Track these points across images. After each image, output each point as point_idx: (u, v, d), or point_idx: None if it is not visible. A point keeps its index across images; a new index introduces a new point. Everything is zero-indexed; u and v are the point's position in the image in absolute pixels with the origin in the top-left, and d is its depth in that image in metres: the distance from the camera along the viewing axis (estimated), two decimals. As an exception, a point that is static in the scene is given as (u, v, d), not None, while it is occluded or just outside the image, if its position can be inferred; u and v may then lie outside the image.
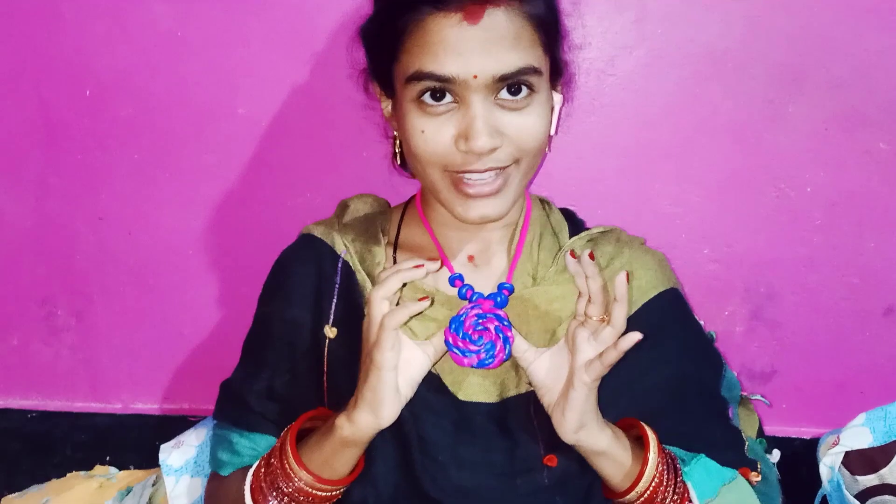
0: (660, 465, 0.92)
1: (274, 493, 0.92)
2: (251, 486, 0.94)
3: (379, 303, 0.90)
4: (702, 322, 1.11)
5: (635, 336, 0.88)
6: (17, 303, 1.37)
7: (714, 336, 1.13)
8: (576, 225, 1.08)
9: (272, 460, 0.93)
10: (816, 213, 1.25)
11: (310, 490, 0.92)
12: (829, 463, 1.20)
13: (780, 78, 1.20)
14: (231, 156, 1.28)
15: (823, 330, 1.31)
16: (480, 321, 0.92)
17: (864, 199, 1.24)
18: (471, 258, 1.02)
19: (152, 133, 1.27)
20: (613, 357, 0.88)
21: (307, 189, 1.28)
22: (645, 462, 0.91)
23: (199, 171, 1.28)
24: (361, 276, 1.00)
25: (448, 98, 0.90)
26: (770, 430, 1.32)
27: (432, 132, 0.91)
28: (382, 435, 0.93)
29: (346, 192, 1.12)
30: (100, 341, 1.38)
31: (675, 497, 0.92)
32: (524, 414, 0.96)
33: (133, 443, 1.38)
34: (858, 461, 1.18)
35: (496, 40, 0.88)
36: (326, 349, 1.00)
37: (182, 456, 1.13)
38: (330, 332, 1.00)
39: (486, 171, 0.91)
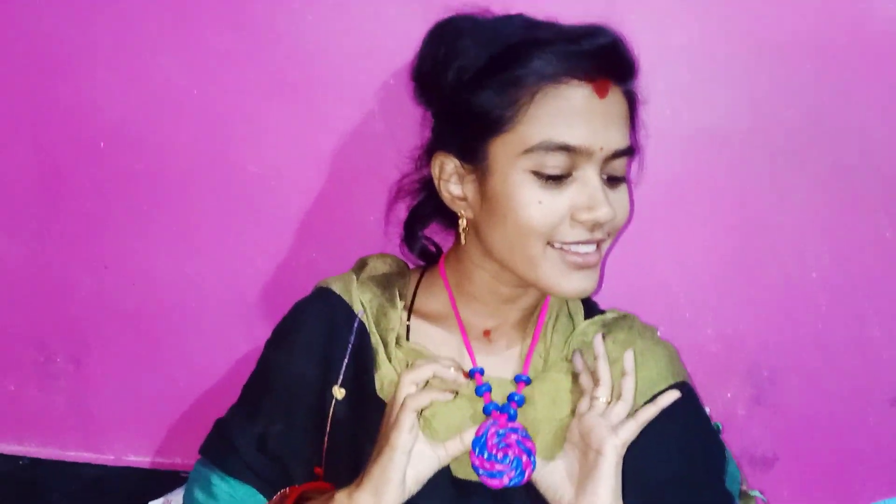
0: None
1: None
2: None
3: (408, 385, 0.90)
4: (707, 409, 1.09)
5: (676, 393, 0.91)
6: (15, 348, 1.37)
7: (720, 428, 1.11)
8: (590, 307, 1.08)
9: None
10: (821, 297, 1.24)
11: None
12: (832, 556, 1.17)
13: (785, 161, 1.20)
14: (236, 212, 1.28)
15: (826, 416, 1.28)
16: (501, 438, 0.93)
17: (869, 286, 1.23)
18: (486, 333, 1.02)
19: (157, 184, 1.28)
20: (652, 413, 0.90)
21: (312, 249, 1.28)
22: None
23: (201, 223, 1.29)
24: (375, 338, 0.99)
25: (566, 170, 0.90)
26: None
27: (550, 203, 0.90)
28: None
29: (352, 253, 1.11)
30: (96, 389, 1.37)
31: None
32: (521, 499, 0.94)
33: (124, 494, 1.35)
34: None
35: (616, 116, 0.92)
36: (332, 410, 0.98)
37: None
38: (338, 392, 0.98)
39: (594, 241, 0.92)
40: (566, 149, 0.89)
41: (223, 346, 1.33)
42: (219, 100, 1.25)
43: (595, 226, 0.91)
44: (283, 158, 1.26)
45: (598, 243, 0.93)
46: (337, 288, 1.03)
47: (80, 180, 1.30)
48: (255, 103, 1.24)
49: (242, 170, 1.26)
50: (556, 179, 0.90)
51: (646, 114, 1.18)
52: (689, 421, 1.01)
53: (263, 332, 1.07)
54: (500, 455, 0.93)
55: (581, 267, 0.92)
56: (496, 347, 1.02)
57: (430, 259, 1.08)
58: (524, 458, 0.93)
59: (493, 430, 0.93)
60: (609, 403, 0.93)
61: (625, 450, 0.90)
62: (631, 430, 0.90)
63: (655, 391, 1.00)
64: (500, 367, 1.01)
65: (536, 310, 1.03)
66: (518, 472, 0.92)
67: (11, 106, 1.29)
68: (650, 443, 0.91)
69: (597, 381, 0.94)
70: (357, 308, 1.01)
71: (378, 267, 1.07)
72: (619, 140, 0.91)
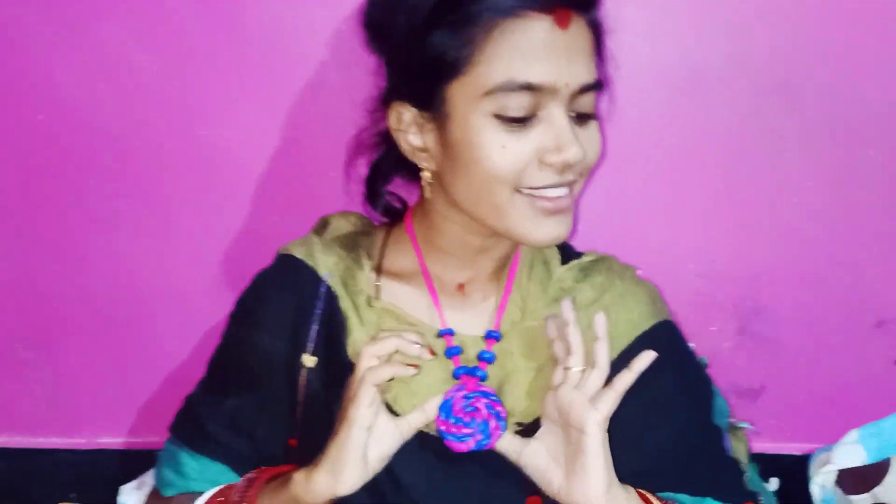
0: None
1: None
2: None
3: (369, 358, 0.86)
4: (692, 345, 1.07)
5: (652, 354, 0.86)
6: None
7: (706, 362, 1.10)
8: (566, 252, 1.05)
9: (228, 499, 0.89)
10: (803, 225, 1.23)
11: None
12: (822, 482, 1.19)
13: (765, 90, 1.18)
14: (200, 189, 1.24)
15: (813, 344, 1.28)
16: (469, 402, 0.90)
17: (852, 211, 1.22)
18: (460, 287, 0.98)
19: (119, 167, 1.24)
20: (629, 380, 0.85)
21: (275, 215, 1.24)
22: None
23: (162, 202, 1.25)
24: (345, 301, 0.96)
25: (530, 111, 0.85)
26: (760, 447, 1.29)
27: (515, 146, 0.85)
28: None
29: (315, 215, 1.08)
30: (63, 374, 1.34)
31: None
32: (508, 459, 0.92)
33: (99, 478, 1.33)
34: (851, 480, 1.16)
35: (580, 49, 0.86)
36: (304, 379, 0.95)
37: (143, 498, 1.07)
38: (308, 360, 0.95)
39: (564, 184, 0.87)
40: (529, 88, 0.83)
41: (191, 319, 1.30)
42: (165, 64, 1.19)
43: (565, 167, 0.86)
44: (235, 121, 1.21)
45: (570, 185, 0.89)
46: (299, 253, 0.99)
47: (30, 163, 1.25)
48: (203, 66, 1.19)
49: (196, 137, 1.22)
50: (520, 121, 0.85)
51: (618, 48, 1.14)
52: (674, 362, 0.99)
53: (230, 303, 1.03)
54: (467, 419, 0.90)
55: (552, 212, 0.88)
56: (471, 301, 0.99)
57: (395, 216, 1.03)
58: (492, 421, 0.90)
59: (460, 394, 0.91)
60: (584, 372, 0.88)
61: (607, 423, 0.86)
62: (610, 402, 0.85)
63: (638, 333, 0.98)
64: (476, 322, 0.98)
65: (510, 258, 1.00)
66: (485, 435, 0.90)
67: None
68: (638, 390, 0.88)
69: (568, 350, 0.89)
70: (323, 272, 0.98)
71: (341, 226, 1.03)
72: (586, 74, 0.86)
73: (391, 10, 0.89)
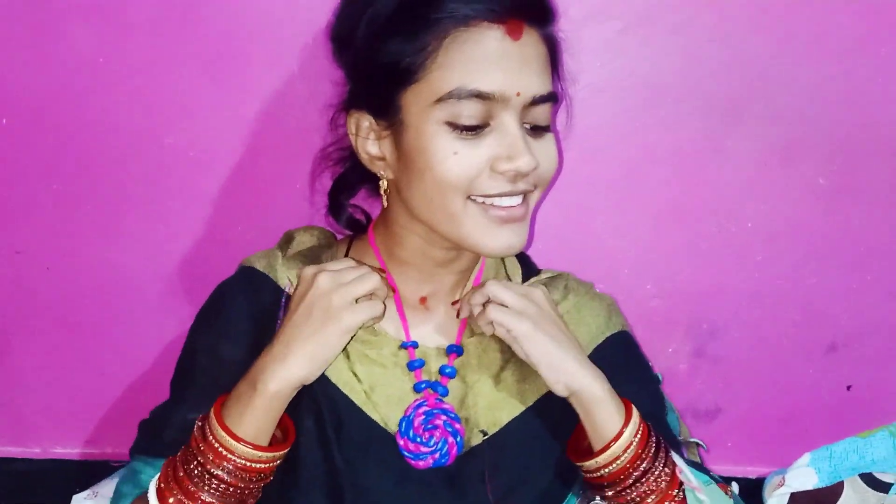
0: (643, 424, 0.90)
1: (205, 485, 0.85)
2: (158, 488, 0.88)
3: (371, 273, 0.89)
4: (650, 363, 1.09)
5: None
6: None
7: (661, 378, 1.11)
8: (529, 269, 1.06)
9: (193, 446, 0.87)
10: (757, 247, 1.25)
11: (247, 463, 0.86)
12: (775, 504, 1.18)
13: (718, 111, 1.19)
14: (156, 188, 1.23)
15: (767, 366, 1.30)
16: (429, 420, 0.92)
17: (804, 234, 1.24)
18: (423, 300, 0.99)
19: (73, 164, 1.22)
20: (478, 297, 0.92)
21: (239, 223, 1.24)
22: (629, 409, 0.90)
23: (122, 203, 1.23)
24: None
25: (483, 119, 0.86)
26: (716, 469, 1.28)
27: (467, 154, 0.86)
28: (312, 486, 0.89)
29: (279, 225, 1.07)
30: (19, 382, 1.31)
31: (661, 459, 0.89)
32: (476, 468, 0.92)
33: (54, 489, 1.30)
34: (806, 500, 1.16)
35: (532, 60, 0.87)
36: None
37: (97, 508, 1.06)
38: None
39: (518, 193, 0.88)
40: (479, 96, 0.85)
41: (150, 330, 1.29)
42: (131, 69, 1.18)
43: (517, 176, 0.87)
44: (202, 129, 1.20)
45: (524, 195, 0.90)
46: (260, 265, 1.00)
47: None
48: (170, 72, 1.18)
49: (159, 144, 1.21)
50: (472, 129, 0.86)
51: (575, 66, 1.16)
52: (631, 370, 1.01)
53: (191, 315, 1.03)
54: (425, 437, 0.92)
55: (506, 221, 0.89)
56: (434, 315, 0.99)
57: (359, 228, 1.04)
58: (450, 439, 0.92)
59: (420, 410, 0.92)
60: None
61: (506, 328, 0.90)
62: (493, 287, 0.91)
63: (595, 344, 1.00)
64: (438, 335, 0.99)
65: (473, 273, 1.01)
66: (442, 454, 0.92)
67: None
68: None
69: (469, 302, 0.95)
70: (283, 283, 0.98)
71: (305, 241, 1.03)
72: (538, 85, 0.88)
73: (353, 20, 0.90)
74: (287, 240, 1.04)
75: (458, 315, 0.97)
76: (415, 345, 0.96)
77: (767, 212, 1.23)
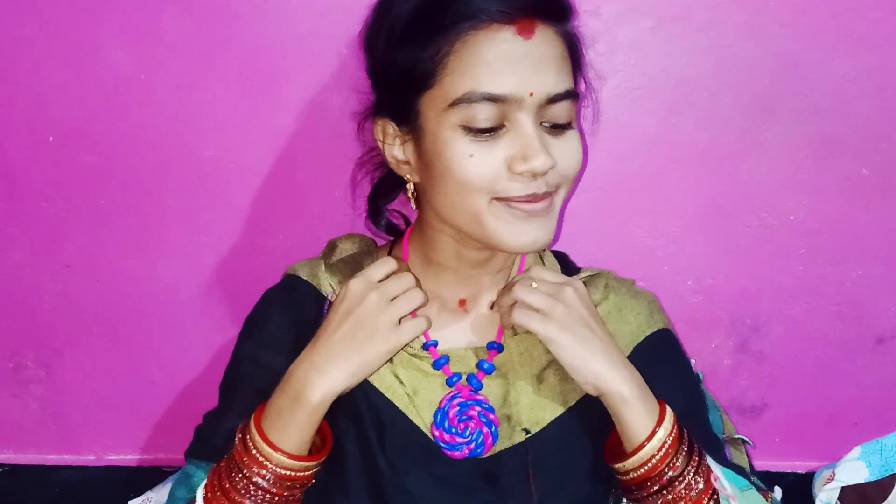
0: (677, 429, 0.89)
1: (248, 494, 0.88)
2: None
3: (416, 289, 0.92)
4: (692, 361, 1.08)
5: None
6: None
7: (701, 376, 1.11)
8: (569, 268, 1.06)
9: (237, 458, 0.89)
10: (799, 241, 1.23)
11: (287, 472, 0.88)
12: (826, 499, 1.17)
13: (754, 106, 1.18)
14: (198, 200, 1.25)
15: (812, 361, 1.28)
16: (463, 411, 0.92)
17: (847, 227, 1.22)
18: (462, 303, 1.00)
19: (117, 179, 1.24)
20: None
21: (277, 233, 1.25)
22: (663, 412, 0.89)
23: (165, 216, 1.26)
24: None
25: (497, 121, 0.86)
26: (763, 465, 1.29)
27: (483, 155, 0.86)
28: (352, 491, 0.91)
29: (317, 235, 1.10)
30: (70, 392, 1.34)
31: (693, 466, 0.88)
32: (519, 467, 0.93)
33: (107, 496, 1.33)
34: (854, 497, 1.15)
35: (547, 58, 0.86)
36: None
37: (150, 513, 1.09)
38: None
39: (543, 196, 0.88)
40: (491, 98, 0.85)
41: (196, 339, 1.31)
42: (170, 86, 1.21)
43: (534, 176, 0.87)
44: (240, 141, 1.22)
45: (546, 195, 0.89)
46: (304, 273, 1.02)
47: (32, 178, 1.26)
48: (208, 87, 1.20)
49: (201, 157, 1.23)
50: (487, 132, 0.86)
51: (608, 64, 1.16)
52: (671, 369, 1.00)
53: (237, 323, 1.05)
54: (460, 427, 0.93)
55: (530, 216, 0.89)
56: (473, 316, 1.00)
57: (397, 233, 1.06)
58: (485, 429, 0.93)
59: (454, 402, 0.93)
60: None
61: (540, 325, 0.89)
62: (518, 318, 0.90)
63: (636, 342, 0.99)
64: (477, 335, 0.99)
65: (511, 273, 1.01)
66: (478, 444, 0.92)
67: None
68: None
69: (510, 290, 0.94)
70: (326, 290, 0.99)
71: (346, 248, 1.05)
72: (553, 84, 0.86)
73: (375, 29, 0.92)
74: (330, 248, 1.05)
75: (490, 307, 0.98)
76: (434, 343, 0.97)
77: (809, 205, 1.22)
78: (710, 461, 0.90)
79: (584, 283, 1.02)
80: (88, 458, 1.37)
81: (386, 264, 0.93)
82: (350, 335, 0.89)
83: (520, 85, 0.85)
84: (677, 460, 0.87)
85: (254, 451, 0.88)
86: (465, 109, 0.85)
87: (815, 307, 1.25)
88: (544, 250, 1.05)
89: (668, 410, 0.89)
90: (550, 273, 0.96)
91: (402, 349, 0.93)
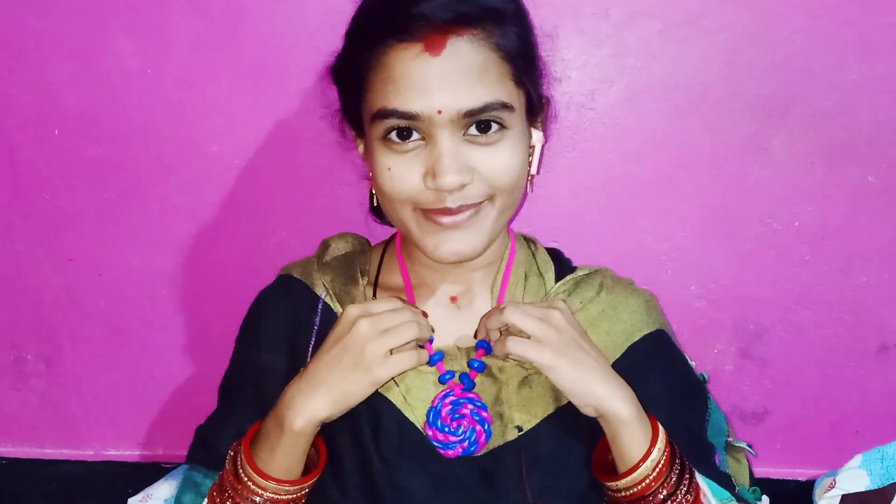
0: (669, 447, 0.89)
1: None
2: None
3: (412, 322, 0.89)
4: (693, 363, 1.08)
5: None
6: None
7: (706, 377, 1.10)
8: (562, 265, 1.06)
9: (227, 480, 0.90)
10: (804, 248, 1.23)
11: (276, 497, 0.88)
12: (826, 507, 1.17)
13: (761, 111, 1.18)
14: (202, 195, 1.25)
15: (816, 367, 1.28)
16: (456, 410, 0.93)
17: (852, 234, 1.22)
18: (453, 299, 1.00)
19: (121, 173, 1.25)
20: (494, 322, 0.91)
21: (280, 229, 1.25)
22: (655, 430, 0.89)
23: (169, 211, 1.26)
24: None
25: (415, 136, 0.87)
26: (764, 472, 1.29)
27: (399, 169, 0.88)
28: (347, 487, 0.91)
29: (320, 232, 1.09)
30: (70, 386, 1.34)
31: (685, 485, 0.88)
32: (513, 464, 0.92)
33: (106, 491, 1.33)
34: (852, 507, 1.14)
35: (461, 73, 0.85)
36: None
37: (150, 509, 1.08)
38: None
39: (457, 210, 0.88)
40: (399, 115, 0.86)
41: (197, 335, 1.31)
42: (177, 81, 1.21)
43: (450, 191, 0.87)
44: (248, 137, 1.22)
45: (475, 206, 0.90)
46: (297, 273, 1.02)
47: (37, 171, 1.26)
48: (214, 83, 1.20)
49: (206, 152, 1.23)
50: (403, 147, 0.88)
51: (616, 67, 1.15)
52: (665, 371, 1.00)
53: (240, 319, 1.05)
54: (453, 426, 0.93)
55: (449, 227, 0.90)
56: (464, 313, 1.00)
57: None
58: (477, 428, 0.93)
59: (447, 401, 0.93)
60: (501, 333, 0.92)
61: (528, 351, 0.88)
62: (502, 349, 0.89)
63: (631, 342, 0.99)
64: (468, 332, 0.98)
65: (500, 267, 1.01)
66: (471, 443, 0.93)
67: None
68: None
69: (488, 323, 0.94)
70: (319, 290, 1.00)
71: (339, 247, 1.06)
72: (465, 99, 0.85)
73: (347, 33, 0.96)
74: (323, 247, 1.06)
75: (475, 336, 0.96)
76: (430, 341, 0.96)
77: (814, 212, 1.21)
78: (698, 477, 0.91)
79: (578, 281, 1.02)
80: (88, 453, 1.37)
81: (390, 301, 0.92)
82: (335, 362, 0.88)
83: (426, 103, 0.85)
84: (671, 479, 0.88)
85: (244, 478, 0.89)
86: (381, 125, 0.88)
87: (819, 314, 1.25)
88: (537, 247, 1.06)
89: (661, 429, 0.90)
90: (528, 304, 0.94)
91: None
